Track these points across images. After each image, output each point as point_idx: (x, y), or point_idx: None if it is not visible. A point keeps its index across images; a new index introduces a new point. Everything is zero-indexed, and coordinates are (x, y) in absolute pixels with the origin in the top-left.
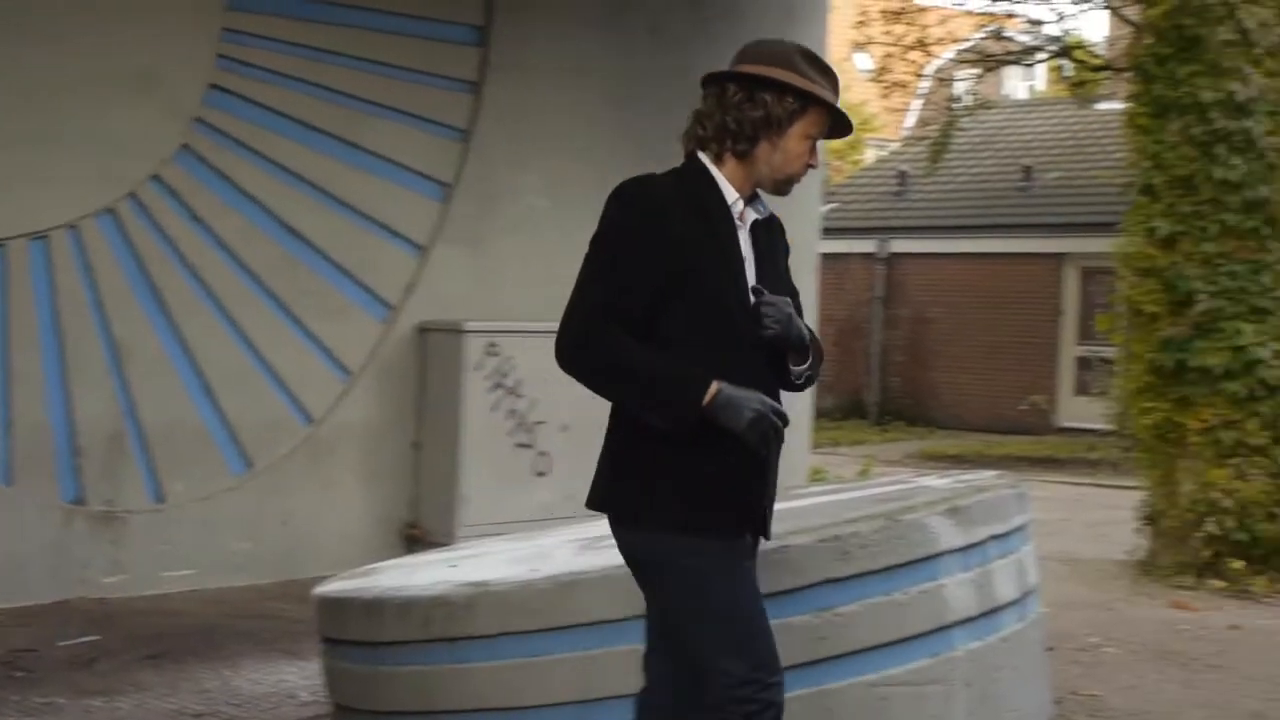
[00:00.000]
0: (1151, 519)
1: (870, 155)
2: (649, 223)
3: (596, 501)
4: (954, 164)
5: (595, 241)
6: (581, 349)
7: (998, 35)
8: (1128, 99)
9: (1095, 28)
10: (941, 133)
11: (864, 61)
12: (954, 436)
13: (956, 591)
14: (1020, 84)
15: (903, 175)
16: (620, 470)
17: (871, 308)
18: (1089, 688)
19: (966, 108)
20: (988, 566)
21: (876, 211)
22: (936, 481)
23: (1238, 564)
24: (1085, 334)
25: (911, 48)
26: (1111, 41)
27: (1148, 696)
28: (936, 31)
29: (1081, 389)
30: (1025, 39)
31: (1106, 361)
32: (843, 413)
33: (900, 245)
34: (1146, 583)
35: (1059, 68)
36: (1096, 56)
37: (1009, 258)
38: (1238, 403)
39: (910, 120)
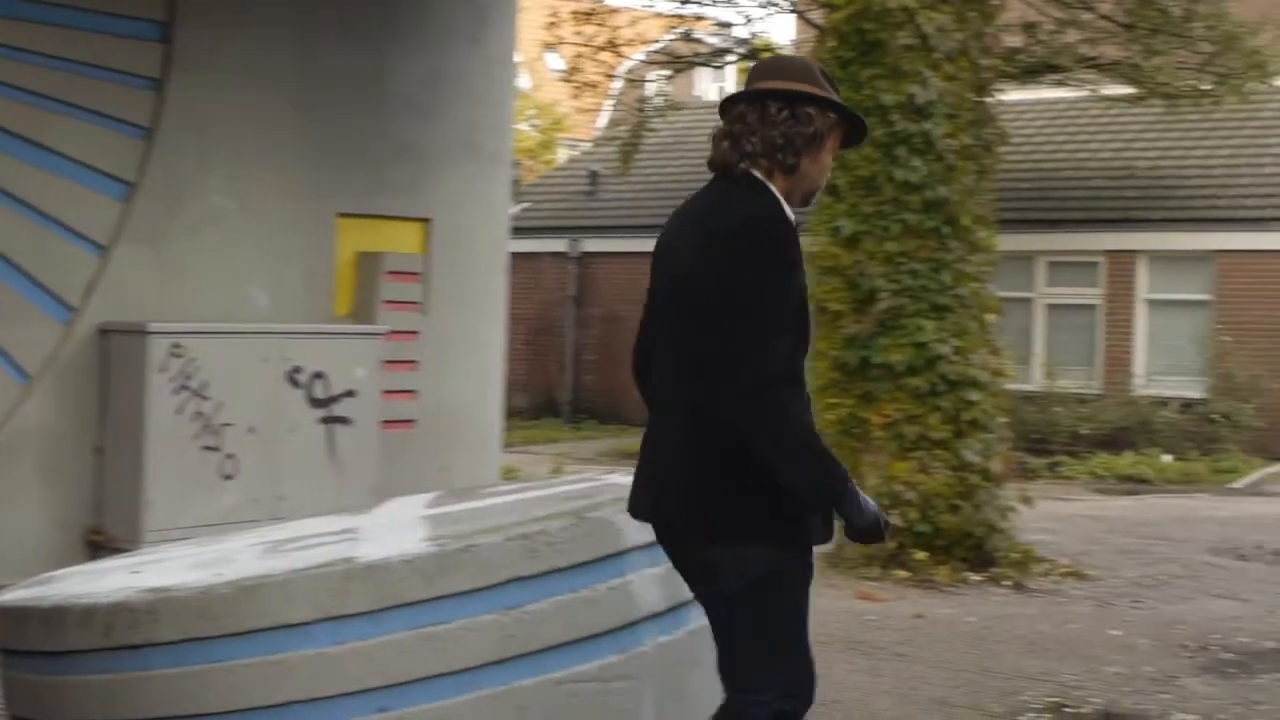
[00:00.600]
0: None
1: (562, 155)
2: (798, 255)
3: (688, 519)
4: (645, 164)
5: (757, 281)
6: (768, 406)
7: (687, 37)
8: None
9: (782, 31)
10: (632, 133)
11: (555, 62)
12: None
13: (644, 587)
14: (711, 85)
15: (594, 175)
16: (715, 486)
17: (564, 307)
18: None
19: (657, 109)
20: None
21: (568, 211)
22: (624, 479)
23: (921, 555)
24: None
25: (602, 49)
26: (798, 45)
27: (836, 686)
28: (627, 33)
29: None
30: (715, 41)
31: None
32: (536, 412)
33: (592, 245)
34: (834, 574)
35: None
36: None
37: None
38: (920, 398)
39: (602, 120)
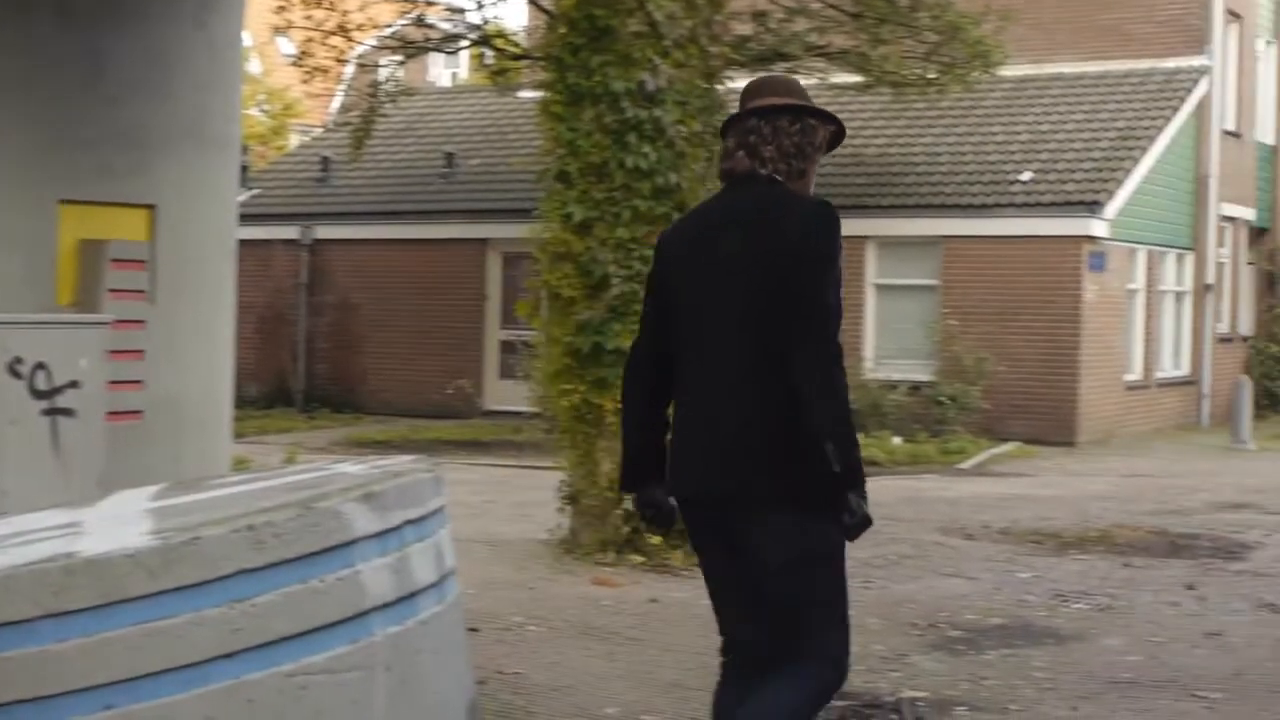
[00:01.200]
0: (572, 498)
1: (294, 141)
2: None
3: (774, 477)
4: (378, 150)
5: (833, 252)
6: (841, 371)
7: (419, 22)
8: (543, 87)
9: (515, 17)
10: (364, 119)
11: (286, 46)
12: (382, 422)
13: (374, 577)
14: (445, 71)
15: (326, 161)
16: (785, 460)
17: (296, 294)
18: (513, 666)
19: (389, 94)
20: (405, 551)
21: (300, 198)
22: (353, 468)
23: (656, 539)
24: (509, 318)
25: (333, 33)
26: (530, 30)
27: (571, 672)
28: (358, 17)
29: (506, 373)
30: (447, 26)
31: (529, 345)
32: (268, 401)
33: (325, 231)
34: (569, 561)
35: (480, 55)
36: (516, 45)
37: (433, 243)
38: None
39: (334, 106)
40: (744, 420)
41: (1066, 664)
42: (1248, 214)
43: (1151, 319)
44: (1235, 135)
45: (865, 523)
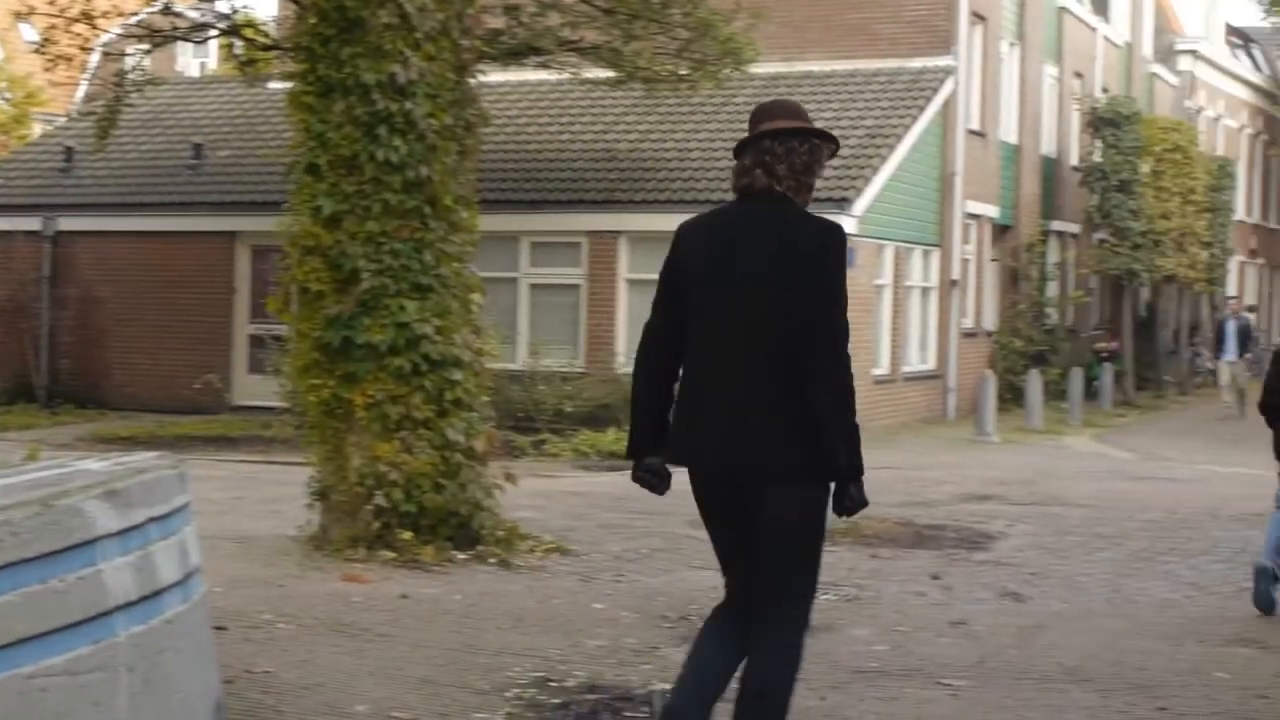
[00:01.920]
0: (322, 494)
1: (37, 130)
2: None
3: (788, 453)
4: (124, 141)
5: (841, 276)
6: (850, 375)
7: (167, 11)
8: (293, 79)
9: (265, 6)
10: (109, 109)
11: (29, 33)
12: (127, 418)
13: (116, 576)
14: (193, 61)
15: (70, 151)
16: (798, 438)
17: (38, 287)
18: (262, 664)
19: (135, 84)
20: (148, 549)
21: (42, 188)
22: (95, 465)
23: (407, 535)
24: (258, 312)
25: (77, 20)
26: (280, 21)
27: (320, 669)
28: (103, 4)
29: (256, 367)
30: (195, 16)
31: (279, 339)
32: (9, 397)
33: (68, 223)
34: (319, 557)
35: (230, 46)
36: (265, 35)
37: (181, 236)
38: (403, 378)
39: (79, 95)
40: (765, 408)
41: (815, 654)
42: (991, 211)
43: (898, 314)
44: (980, 135)
45: (863, 504)
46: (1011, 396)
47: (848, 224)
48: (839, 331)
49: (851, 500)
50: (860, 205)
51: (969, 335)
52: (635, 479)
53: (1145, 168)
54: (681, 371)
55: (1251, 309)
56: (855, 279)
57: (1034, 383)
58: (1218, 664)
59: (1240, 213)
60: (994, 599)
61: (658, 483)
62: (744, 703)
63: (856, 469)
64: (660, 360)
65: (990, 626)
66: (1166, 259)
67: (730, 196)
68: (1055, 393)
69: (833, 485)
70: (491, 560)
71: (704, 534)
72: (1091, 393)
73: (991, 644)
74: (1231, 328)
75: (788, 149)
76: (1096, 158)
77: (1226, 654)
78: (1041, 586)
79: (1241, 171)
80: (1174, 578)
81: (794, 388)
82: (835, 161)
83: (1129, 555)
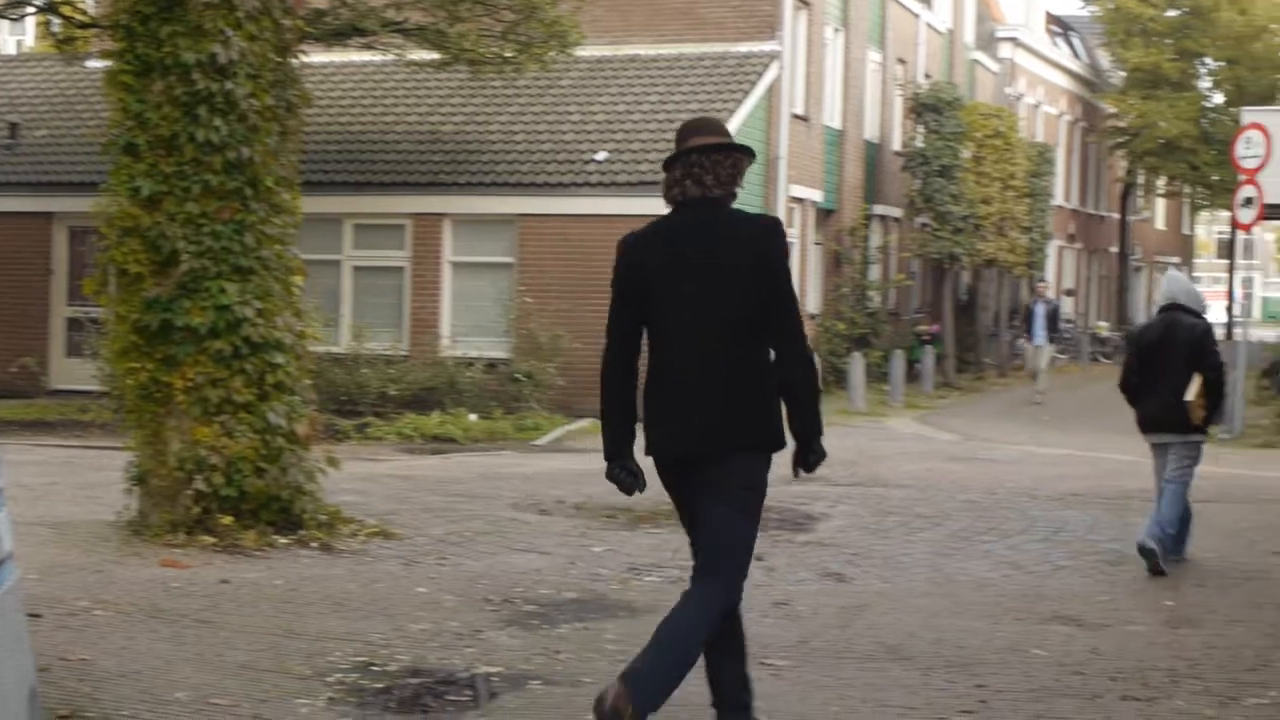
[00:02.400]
0: (141, 479)
1: None
2: None
3: (751, 433)
4: None
5: (787, 263)
6: (812, 363)
7: None
8: (112, 57)
9: None
10: None
11: None
12: None
13: None
14: (9, 39)
15: None
16: (764, 407)
17: None
18: (79, 652)
19: None
20: None
21: None
22: None
23: (228, 519)
24: (75, 295)
25: None
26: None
27: (138, 656)
28: None
29: (73, 350)
30: None
31: (96, 322)
32: None
33: None
34: (138, 543)
35: (47, 23)
36: (83, 13)
37: None
38: (223, 361)
39: None
40: (729, 394)
41: (639, 636)
42: (815, 195)
43: None
44: (804, 119)
45: (823, 457)
46: (834, 379)
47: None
48: (795, 314)
49: (815, 455)
50: None
51: None
52: (611, 478)
53: (966, 153)
54: (649, 372)
55: (1070, 292)
56: None
57: (856, 365)
58: (1035, 641)
59: (1059, 198)
60: (816, 579)
61: (634, 482)
62: (665, 632)
63: (819, 428)
64: (629, 366)
65: (812, 607)
66: (987, 243)
67: (537, 180)
68: (877, 375)
69: (793, 446)
70: (313, 545)
71: (529, 517)
72: (913, 375)
73: (813, 624)
74: (1040, 311)
75: (714, 162)
76: (919, 143)
77: (1044, 631)
78: (863, 567)
79: (1060, 157)
80: (993, 557)
81: (751, 372)
82: (660, 145)
83: (949, 535)
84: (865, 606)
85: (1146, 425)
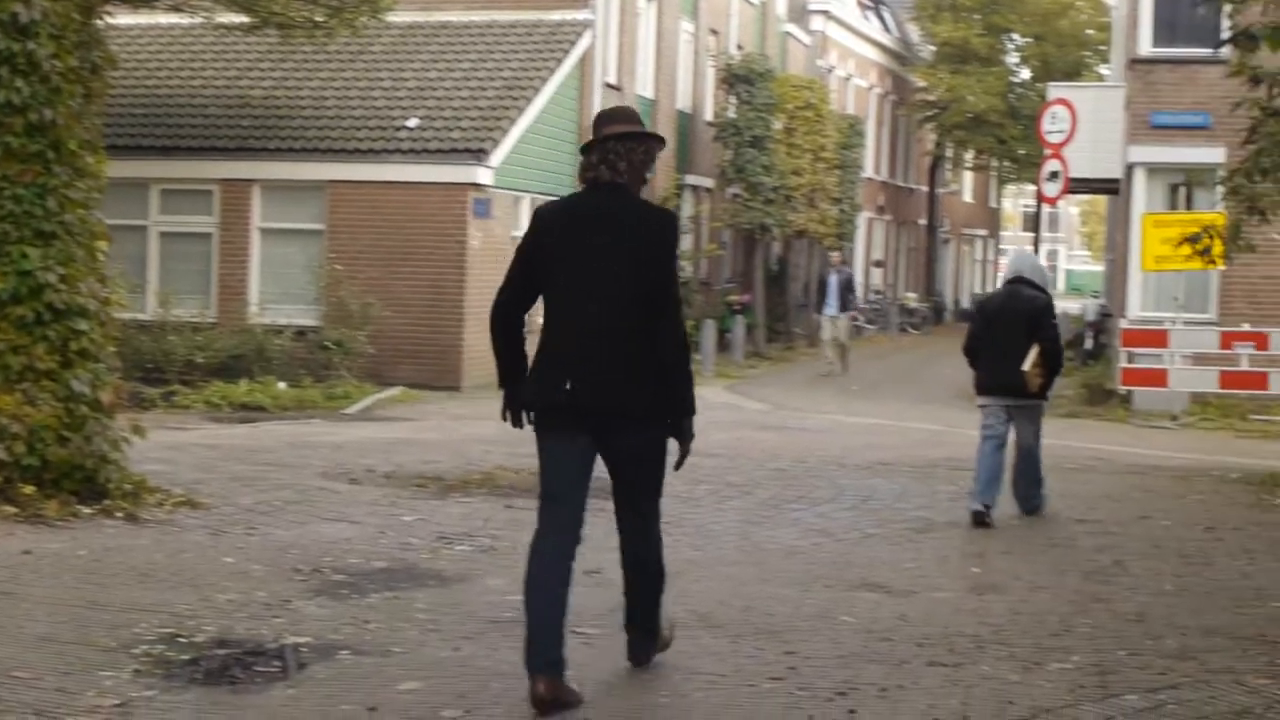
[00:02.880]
0: None
1: None
2: None
3: (645, 399)
4: None
5: (676, 253)
6: (685, 332)
7: None
8: None
9: None
10: None
11: None
12: None
13: None
14: None
15: None
16: (653, 384)
17: None
18: None
19: None
20: None
21: None
22: None
23: (29, 489)
24: None
25: None
26: None
27: None
28: None
29: None
30: None
31: None
32: None
33: None
34: None
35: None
36: None
37: None
38: (25, 327)
39: None
40: (621, 358)
41: (449, 605)
42: None
43: None
44: (616, 89)
45: (692, 437)
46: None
47: (483, 175)
48: (677, 299)
49: (686, 435)
50: (497, 157)
51: None
52: (505, 418)
53: (778, 125)
54: (544, 333)
55: (879, 264)
56: (492, 230)
57: None
58: (843, 608)
59: (869, 170)
60: None
61: (523, 423)
62: (636, 577)
63: (692, 408)
64: (518, 323)
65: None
66: (798, 214)
67: (308, 146)
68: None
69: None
70: (118, 514)
71: (338, 486)
72: (724, 345)
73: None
74: (834, 282)
75: (628, 149)
76: (731, 114)
77: (852, 598)
78: (674, 535)
79: (871, 130)
80: (802, 525)
81: (642, 341)
82: (472, 113)
83: (759, 503)
84: (676, 574)
85: (984, 388)
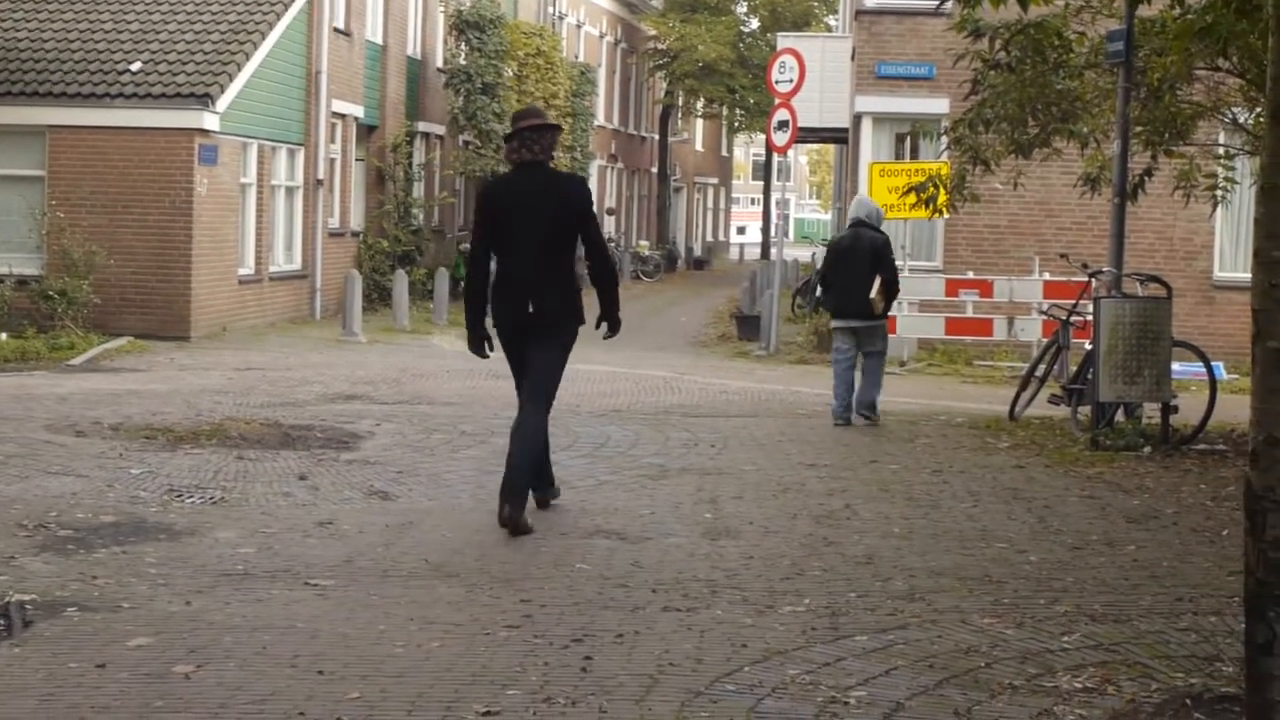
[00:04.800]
0: None
1: None
2: None
3: (564, 314)
4: None
5: (591, 209)
6: (614, 265)
7: None
8: None
9: None
10: None
11: None
12: None
13: None
14: None
15: None
16: (572, 301)
17: None
18: None
19: None
20: None
21: None
22: None
23: None
24: None
25: None
26: None
27: None
28: None
29: None
30: None
31: None
32: None
33: None
34: None
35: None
36: None
37: None
38: None
39: None
40: (551, 289)
41: (180, 559)
42: (357, 111)
43: (264, 213)
44: (345, 34)
45: (619, 325)
46: (379, 296)
47: (210, 121)
48: (600, 238)
49: (615, 324)
50: (223, 102)
51: (335, 235)
52: (471, 348)
53: (509, 72)
54: (496, 276)
55: (611, 212)
56: (219, 178)
57: (400, 283)
58: (579, 556)
59: (601, 118)
60: (361, 498)
61: (489, 348)
62: (518, 450)
63: (618, 307)
64: (484, 270)
65: (358, 525)
66: None
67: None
68: (422, 293)
69: (603, 327)
70: None
71: (64, 439)
72: (457, 293)
73: (359, 543)
74: None
75: (538, 136)
76: (461, 60)
77: (587, 545)
78: (408, 485)
79: (602, 78)
80: None
81: (569, 280)
82: (198, 56)
83: (493, 452)
84: (410, 524)
85: (839, 313)
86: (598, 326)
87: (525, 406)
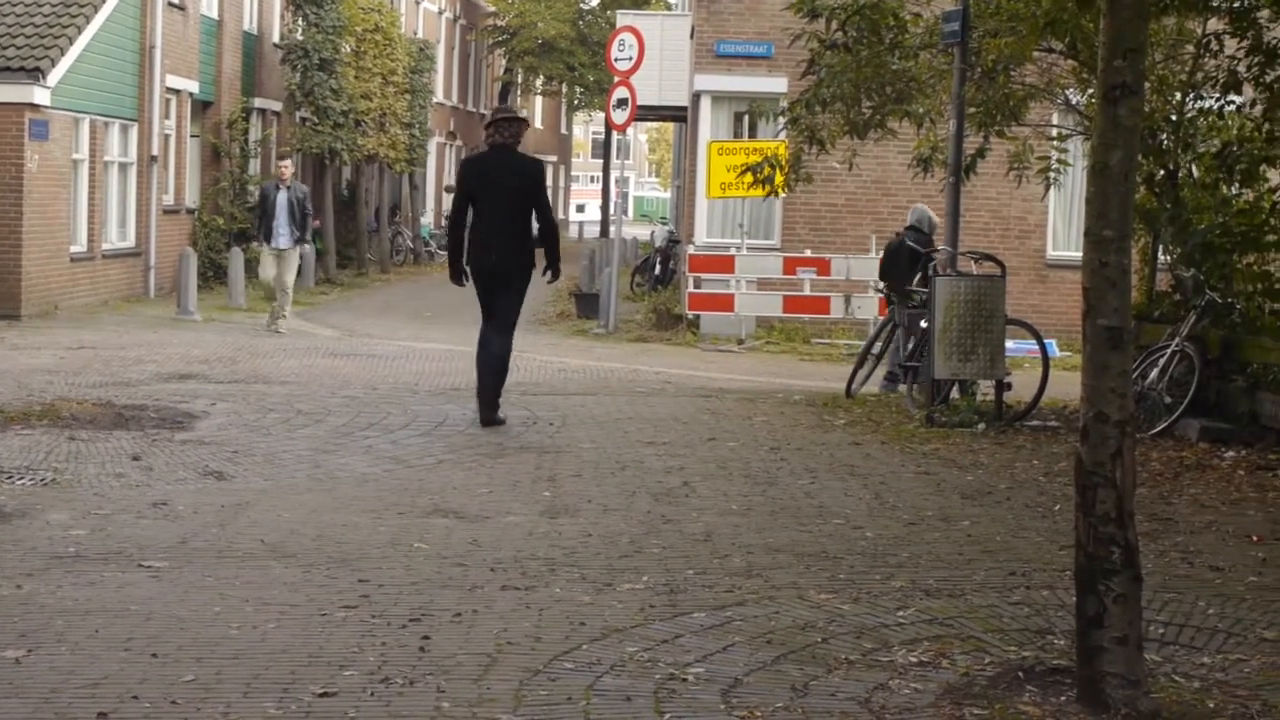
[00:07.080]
0: None
1: None
2: None
3: (524, 264)
4: None
5: (543, 184)
6: (556, 228)
7: None
8: None
9: None
10: None
11: None
12: None
13: None
14: None
15: None
16: (529, 251)
17: None
18: None
19: None
20: None
21: None
22: None
23: None
24: None
25: None
26: None
27: None
28: None
29: None
30: None
31: None
32: None
33: None
34: None
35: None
36: None
37: None
38: None
39: None
40: (514, 246)
41: (9, 541)
42: (192, 87)
43: (96, 190)
44: (179, 8)
45: (560, 273)
46: (214, 274)
47: (41, 95)
48: (549, 208)
49: (556, 273)
50: (54, 76)
51: (170, 212)
52: (453, 281)
53: (347, 47)
54: (471, 229)
55: (449, 189)
56: (51, 153)
57: (236, 261)
58: (417, 535)
59: (440, 95)
60: (196, 478)
61: (465, 281)
62: (491, 365)
63: (559, 259)
64: (462, 227)
65: (192, 506)
66: (368, 139)
67: None
68: (257, 270)
69: (548, 274)
70: None
71: None
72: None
73: (194, 523)
74: (282, 200)
75: (509, 124)
76: (298, 36)
77: (425, 525)
78: (244, 465)
79: (441, 55)
80: (374, 452)
81: (527, 237)
82: (28, 29)
83: (330, 431)
84: (246, 505)
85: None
86: (544, 273)
87: (491, 334)
